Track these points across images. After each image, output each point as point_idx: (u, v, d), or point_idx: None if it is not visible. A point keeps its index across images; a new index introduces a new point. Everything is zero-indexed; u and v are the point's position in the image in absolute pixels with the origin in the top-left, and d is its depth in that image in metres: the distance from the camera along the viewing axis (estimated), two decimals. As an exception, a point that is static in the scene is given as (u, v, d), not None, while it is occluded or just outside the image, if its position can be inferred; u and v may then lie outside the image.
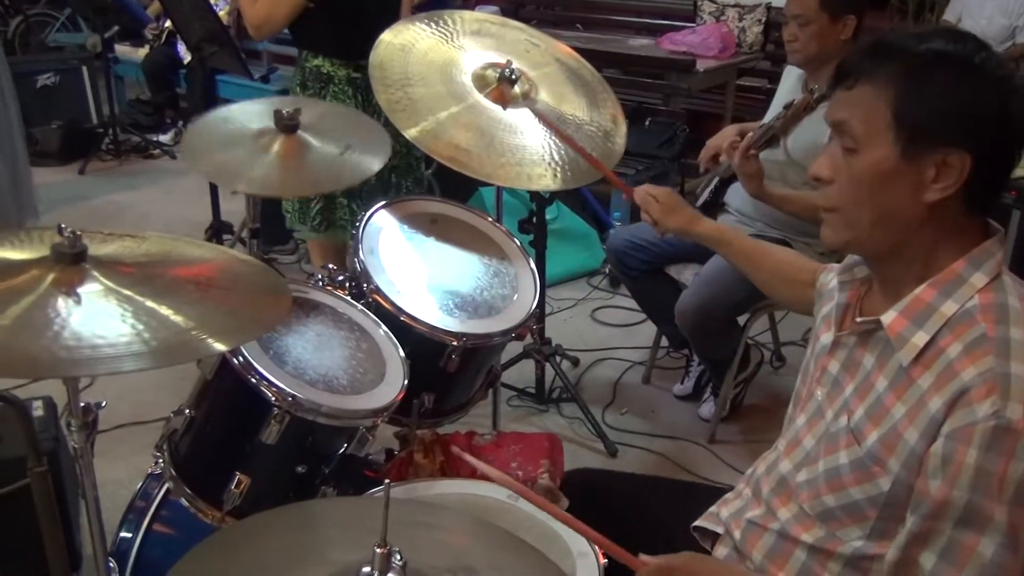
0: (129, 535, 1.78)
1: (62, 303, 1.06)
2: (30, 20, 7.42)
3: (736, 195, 2.91)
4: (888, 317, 1.20)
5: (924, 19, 5.01)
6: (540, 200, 2.92)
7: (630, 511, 1.61)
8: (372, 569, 0.93)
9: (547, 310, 3.82)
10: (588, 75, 2.16)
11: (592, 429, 3.01)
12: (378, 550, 0.92)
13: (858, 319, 1.27)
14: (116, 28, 6.28)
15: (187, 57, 5.66)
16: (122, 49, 6.39)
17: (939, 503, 1.11)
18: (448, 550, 1.05)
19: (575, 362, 3.47)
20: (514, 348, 3.24)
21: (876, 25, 5.11)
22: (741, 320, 2.90)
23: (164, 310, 1.09)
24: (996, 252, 1.18)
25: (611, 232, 3.23)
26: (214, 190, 3.86)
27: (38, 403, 2.04)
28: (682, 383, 3.31)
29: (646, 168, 4.40)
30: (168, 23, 5.81)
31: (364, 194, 2.62)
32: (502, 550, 1.09)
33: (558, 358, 3.23)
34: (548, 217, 4.14)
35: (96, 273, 1.13)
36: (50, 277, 1.11)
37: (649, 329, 3.39)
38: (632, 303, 3.43)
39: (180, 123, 6.08)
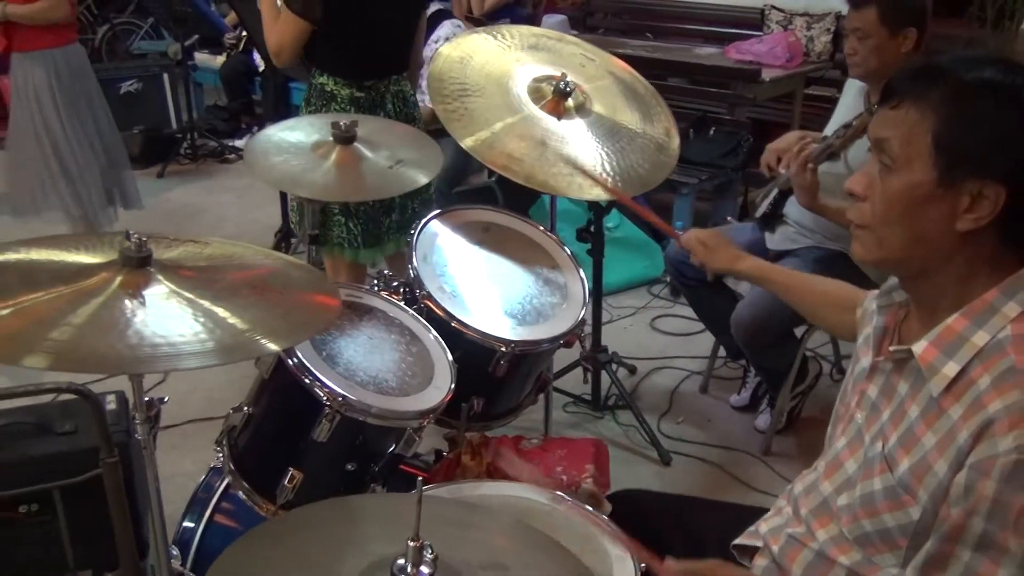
0: (192, 525, 1.86)
1: (128, 304, 1.14)
2: (116, 29, 7.72)
3: (795, 207, 2.90)
4: (919, 347, 1.20)
5: (1003, 27, 4.90)
6: (598, 209, 2.95)
7: (671, 530, 1.63)
8: (406, 562, 0.98)
9: (606, 318, 3.84)
10: (642, 89, 2.18)
11: (646, 437, 3.02)
12: (411, 543, 0.97)
13: (891, 348, 1.27)
14: (196, 37, 6.50)
15: (262, 65, 5.83)
16: (201, 57, 6.61)
17: (957, 528, 1.11)
18: (483, 548, 1.09)
19: (632, 370, 3.49)
20: (571, 355, 3.27)
21: (953, 33, 5.03)
22: (799, 332, 2.89)
23: (222, 312, 1.16)
24: None
25: (668, 241, 3.24)
26: (283, 196, 3.98)
27: (111, 397, 2.14)
28: (739, 394, 3.31)
29: (709, 177, 4.38)
30: (245, 32, 6.00)
31: (362, 214, 2.64)
32: (536, 550, 1.13)
33: (614, 366, 3.26)
34: (610, 226, 4.21)
35: (160, 276, 1.21)
36: (118, 280, 1.19)
37: (708, 339, 3.38)
38: (692, 312, 3.42)
39: (255, 128, 6.26)
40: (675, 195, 4.39)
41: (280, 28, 2.62)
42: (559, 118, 2.04)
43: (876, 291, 1.48)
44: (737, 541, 1.51)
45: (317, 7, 2.53)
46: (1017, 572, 1.08)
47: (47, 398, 2.19)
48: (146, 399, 1.29)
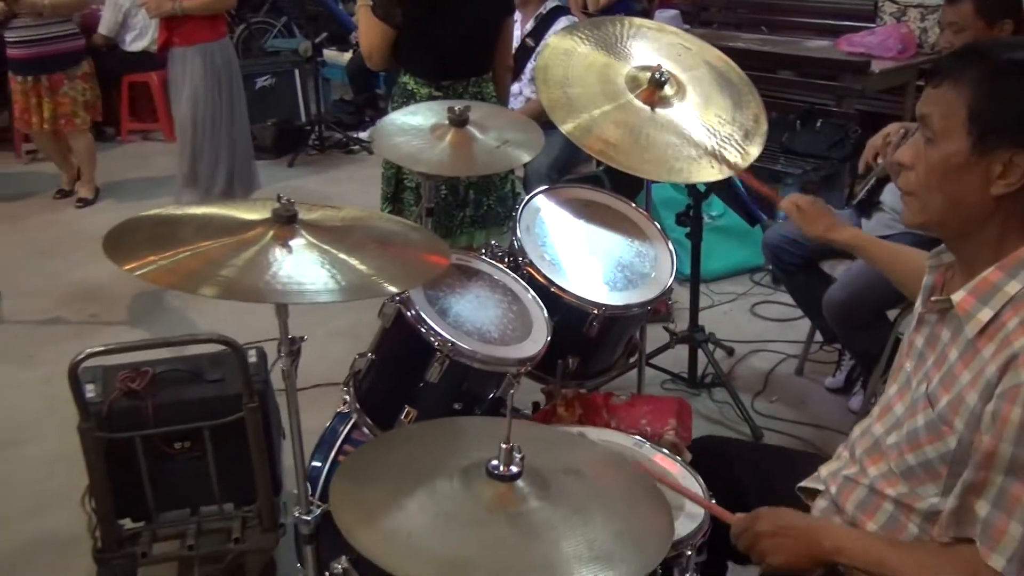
0: (319, 464, 2.11)
1: (278, 252, 1.40)
2: (252, 28, 8.23)
3: (890, 194, 2.99)
4: (958, 296, 1.35)
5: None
6: (696, 195, 3.10)
7: (746, 474, 1.80)
8: (499, 462, 1.19)
9: (707, 303, 3.99)
10: (735, 77, 2.34)
11: (739, 413, 3.16)
12: (503, 445, 1.18)
13: (933, 298, 1.42)
14: (325, 34, 6.89)
15: (386, 62, 6.16)
16: (329, 54, 7.01)
17: (988, 454, 1.25)
18: (564, 459, 1.30)
19: (730, 351, 3.63)
20: (667, 334, 3.44)
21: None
22: (891, 315, 2.98)
23: (352, 261, 1.41)
24: None
25: (769, 228, 3.37)
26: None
27: (252, 352, 2.42)
28: (834, 376, 3.40)
29: (814, 168, 4.46)
30: (371, 30, 6.34)
31: (436, 207, 2.81)
32: (610, 465, 1.33)
33: (711, 346, 3.40)
34: (714, 214, 4.34)
35: (303, 232, 1.46)
36: (270, 233, 1.45)
37: (806, 324, 3.48)
38: (791, 300, 3.53)
39: (378, 121, 6.61)
40: (779, 185, 4.49)
41: (368, 34, 2.89)
42: (653, 107, 2.21)
43: None
44: (801, 484, 1.67)
45: (397, 13, 2.79)
46: None
47: (199, 351, 2.50)
48: (289, 337, 1.54)
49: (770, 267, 4.16)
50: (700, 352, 3.35)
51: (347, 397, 1.90)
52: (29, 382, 3.54)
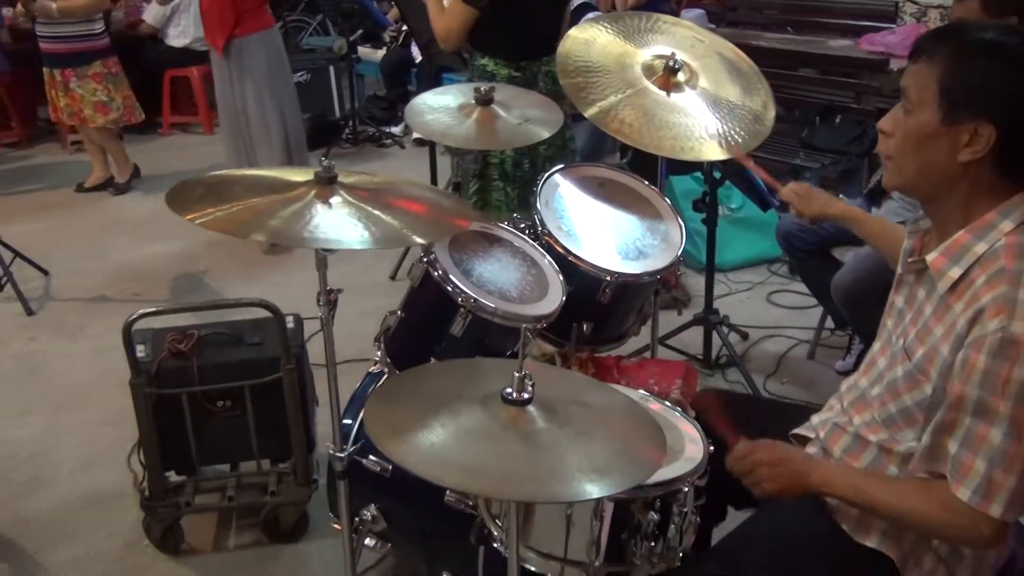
0: (350, 421, 2.28)
1: (320, 207, 1.57)
2: (288, 26, 8.45)
3: (899, 182, 3.11)
4: (931, 256, 1.50)
5: None
6: (712, 181, 3.24)
7: (744, 423, 1.94)
8: (512, 389, 1.35)
9: (725, 290, 4.13)
10: (745, 67, 2.48)
11: (749, 390, 3.30)
12: (516, 374, 1.34)
13: (910, 259, 1.57)
14: (360, 32, 7.09)
15: (419, 57, 6.35)
16: (364, 51, 7.21)
17: (957, 398, 1.40)
18: (571, 392, 1.46)
19: (744, 336, 3.76)
20: (684, 316, 3.59)
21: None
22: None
23: (384, 216, 1.58)
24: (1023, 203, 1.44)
25: (783, 215, 3.51)
26: (432, 176, 4.47)
27: (290, 318, 2.59)
28: (844, 359, 3.53)
29: (833, 163, 4.58)
30: (405, 27, 6.53)
31: (518, 179, 3.03)
32: (613, 395, 1.49)
33: (725, 329, 3.54)
34: (733, 206, 4.48)
35: (342, 192, 1.63)
36: (312, 192, 1.62)
37: (821, 312, 3.62)
38: (807, 289, 3.66)
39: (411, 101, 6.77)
40: (798, 180, 4.61)
41: (449, 16, 3.04)
42: (668, 92, 2.36)
43: None
44: (794, 431, 1.82)
45: None
46: (1007, 430, 1.36)
47: (241, 318, 2.68)
48: (328, 288, 1.71)
49: (787, 257, 4.29)
50: (715, 335, 3.49)
51: (378, 352, 2.06)
52: (78, 354, 3.75)
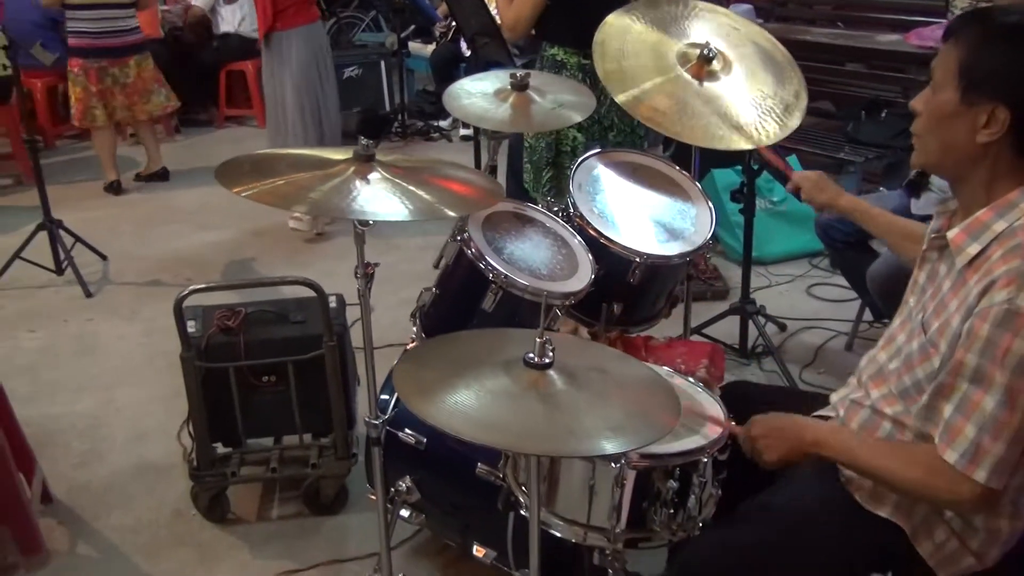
0: (386, 397, 2.37)
1: (358, 183, 1.66)
2: (341, 22, 8.61)
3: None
4: (952, 233, 1.53)
5: None
6: (750, 172, 3.27)
7: (769, 410, 1.98)
8: (534, 354, 1.42)
9: (764, 283, 4.15)
10: (780, 56, 2.51)
11: (786, 382, 3.32)
12: (538, 339, 1.41)
13: (932, 235, 1.60)
14: (412, 27, 7.20)
15: (468, 52, 6.43)
16: (414, 46, 7.32)
17: (958, 363, 1.44)
18: (592, 359, 1.52)
19: (782, 327, 3.78)
20: (722, 305, 3.62)
21: None
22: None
23: (419, 191, 1.65)
24: None
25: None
26: (476, 161, 4.54)
27: (333, 297, 2.68)
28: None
29: (877, 157, 4.57)
30: (454, 22, 6.62)
31: None
32: (632, 366, 1.55)
33: (763, 319, 3.56)
34: (775, 199, 4.49)
35: (380, 169, 1.71)
36: (351, 169, 1.70)
37: (859, 304, 3.63)
38: (846, 281, 3.67)
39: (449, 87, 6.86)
40: (840, 174, 4.61)
41: (518, 4, 3.10)
42: (700, 81, 2.41)
43: None
44: (816, 413, 1.85)
45: None
46: (1001, 399, 1.40)
47: (285, 295, 2.78)
48: (366, 262, 1.79)
49: (827, 250, 4.29)
50: (751, 326, 3.52)
51: (414, 328, 2.15)
52: (132, 334, 3.91)
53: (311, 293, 2.54)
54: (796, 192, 2.19)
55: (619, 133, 3.14)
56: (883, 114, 4.78)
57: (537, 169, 3.21)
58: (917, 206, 3.22)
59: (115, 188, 5.67)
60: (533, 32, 3.25)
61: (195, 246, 4.85)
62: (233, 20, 7.03)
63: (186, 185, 5.80)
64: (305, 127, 4.62)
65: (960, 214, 1.59)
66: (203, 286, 2.52)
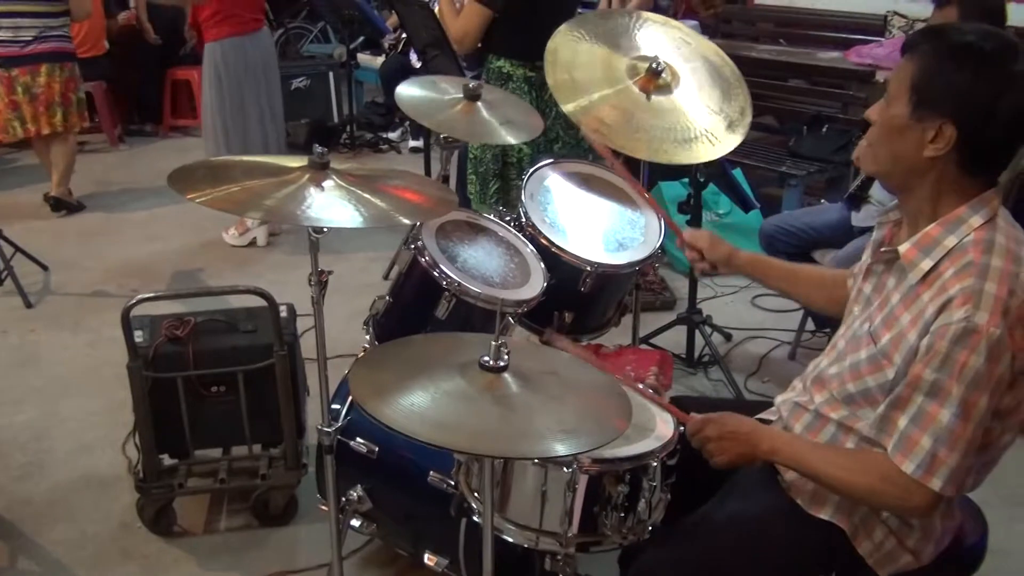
0: (338, 406, 2.36)
1: (313, 190, 1.66)
2: (289, 32, 8.57)
3: (878, 189, 3.21)
4: (903, 248, 1.58)
5: None
6: (697, 185, 3.34)
7: None
8: (489, 358, 1.44)
9: (710, 293, 4.22)
10: (728, 72, 2.57)
11: (732, 391, 3.38)
12: (493, 343, 1.43)
13: (882, 249, 1.65)
14: (361, 39, 7.19)
15: (418, 64, 6.45)
16: (363, 58, 7.31)
17: (915, 377, 1.48)
18: (545, 364, 1.54)
19: (728, 337, 3.85)
20: (669, 316, 3.68)
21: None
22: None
23: (373, 199, 1.67)
24: (993, 200, 1.53)
25: (765, 219, 3.61)
26: (426, 174, 4.55)
27: (283, 307, 2.67)
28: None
29: (819, 171, 4.67)
30: (404, 34, 6.63)
31: None
32: (583, 370, 1.58)
33: (709, 329, 3.63)
34: (720, 212, 4.57)
35: (334, 177, 1.72)
36: (306, 176, 1.71)
37: (802, 314, 3.71)
38: (790, 292, 3.74)
39: (407, 123, 6.89)
40: (784, 187, 4.72)
41: (464, 17, 3.14)
42: (648, 94, 2.45)
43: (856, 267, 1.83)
44: (759, 416, 1.90)
45: None
46: (956, 411, 1.45)
47: (235, 304, 2.76)
48: (320, 269, 1.80)
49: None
50: (698, 335, 3.58)
51: (367, 336, 2.15)
52: (76, 345, 3.84)
53: (261, 302, 2.53)
54: (694, 252, 2.09)
55: (564, 146, 3.19)
56: (824, 129, 4.89)
57: (484, 180, 3.23)
58: (857, 218, 3.32)
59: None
60: (480, 45, 3.29)
61: (141, 256, 4.79)
62: None
63: (132, 195, 5.72)
64: (216, 141, 4.59)
65: (906, 226, 1.64)
66: (151, 295, 2.50)
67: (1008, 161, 1.55)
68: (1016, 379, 1.47)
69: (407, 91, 2.39)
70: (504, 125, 2.32)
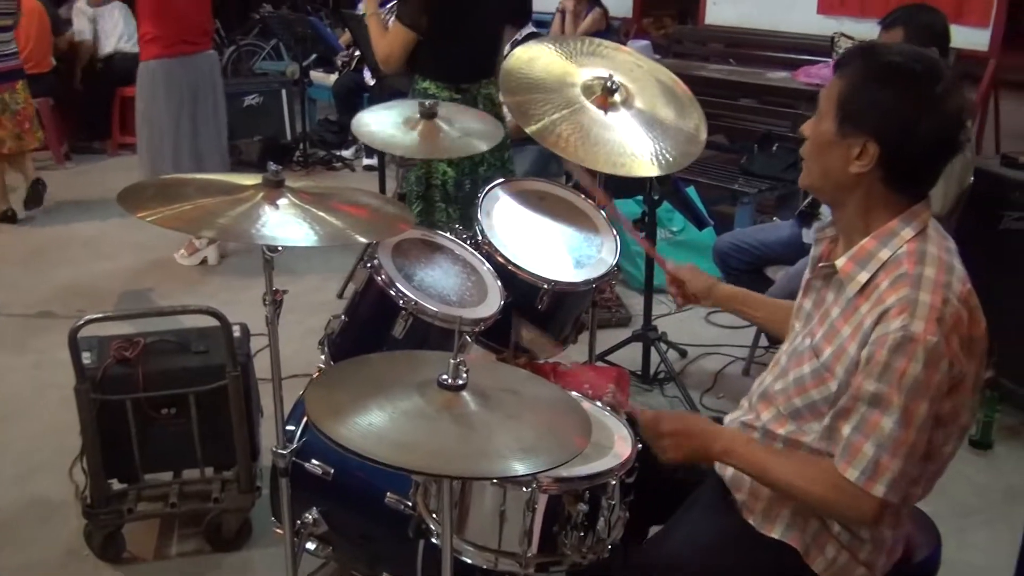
0: (292, 427, 2.32)
1: (267, 208, 1.64)
2: (241, 50, 8.51)
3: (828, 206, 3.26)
4: (840, 262, 1.60)
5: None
6: (651, 203, 3.36)
7: None
8: (447, 376, 1.43)
9: (665, 310, 4.24)
10: (680, 92, 2.61)
11: (687, 407, 3.40)
12: (452, 361, 1.41)
13: (820, 264, 1.68)
14: (314, 56, 7.16)
15: (372, 82, 6.44)
16: (316, 75, 7.28)
17: (858, 387, 1.51)
18: (504, 381, 1.54)
19: (683, 353, 3.88)
20: (624, 333, 3.69)
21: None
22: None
23: (329, 217, 1.65)
24: (922, 213, 1.57)
25: (719, 236, 3.65)
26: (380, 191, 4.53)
27: (237, 327, 2.63)
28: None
29: (770, 188, 4.74)
30: (357, 52, 6.62)
31: (460, 199, 3.13)
32: (542, 387, 1.58)
33: (664, 345, 3.65)
34: (674, 229, 4.61)
35: (289, 195, 1.70)
36: (261, 195, 1.69)
37: (755, 330, 3.75)
38: (743, 308, 3.78)
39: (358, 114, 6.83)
40: (737, 204, 4.78)
41: (390, 38, 3.14)
42: (606, 111, 2.48)
43: None
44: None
45: (423, 20, 3.07)
46: (898, 419, 1.47)
47: (187, 324, 2.71)
48: (275, 288, 1.77)
49: (723, 277, 4.41)
50: (653, 352, 3.60)
51: (322, 356, 2.12)
52: (21, 367, 3.74)
53: (214, 322, 2.49)
54: (678, 286, 2.12)
55: (489, 167, 3.22)
56: (775, 147, 4.97)
57: (408, 202, 3.24)
58: (808, 235, 3.36)
59: (8, 218, 5.44)
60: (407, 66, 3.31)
61: (88, 276, 4.69)
62: (114, 34, 6.84)
63: (78, 214, 5.61)
64: (141, 160, 4.56)
65: (841, 241, 1.66)
66: (100, 315, 2.45)
67: (933, 179, 1.58)
68: (954, 386, 1.50)
69: (363, 127, 2.39)
70: (467, 136, 2.33)
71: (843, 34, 5.54)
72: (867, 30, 5.32)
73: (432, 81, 3.17)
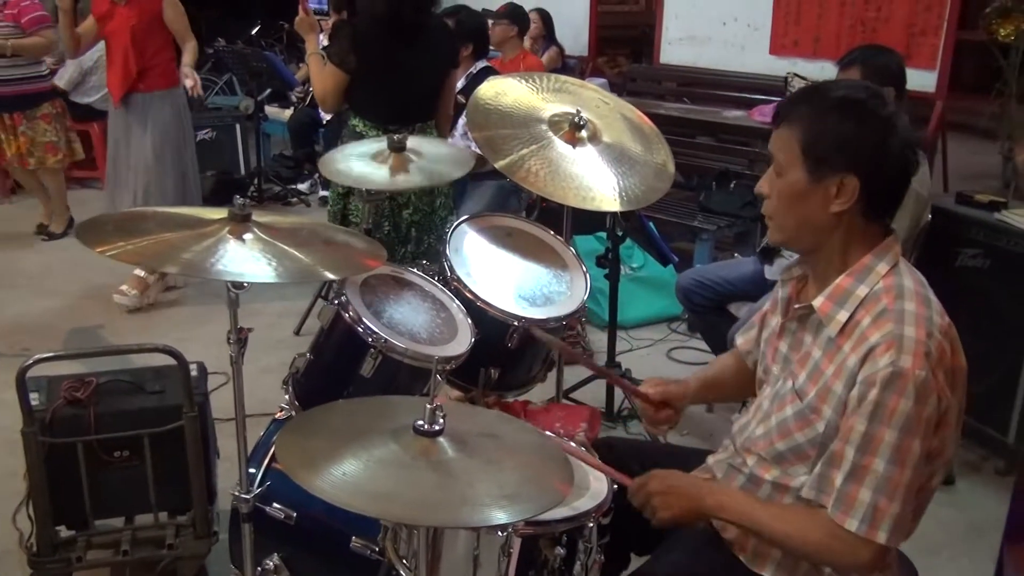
0: (253, 470, 2.25)
1: (232, 243, 1.58)
2: (194, 83, 8.39)
3: (790, 241, 3.28)
4: (818, 302, 1.58)
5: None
6: (615, 239, 3.35)
7: (639, 466, 1.98)
8: (423, 421, 1.37)
9: (627, 347, 4.23)
10: (647, 129, 2.62)
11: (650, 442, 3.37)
12: (428, 406, 1.36)
13: (796, 306, 1.66)
14: (268, 91, 7.09)
15: (327, 117, 6.39)
16: (271, 110, 7.21)
17: (848, 429, 1.49)
18: (483, 426, 1.49)
19: (646, 390, 3.85)
20: (587, 370, 3.65)
21: (977, 108, 5.34)
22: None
23: (296, 252, 1.60)
24: (894, 246, 1.57)
25: (682, 272, 3.65)
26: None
27: (194, 366, 2.54)
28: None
29: (728, 225, 4.78)
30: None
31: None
32: (523, 432, 1.53)
33: (627, 381, 3.61)
34: (635, 265, 4.61)
35: (256, 229, 1.65)
36: (226, 229, 1.63)
37: (718, 366, 3.74)
38: (705, 345, 3.78)
39: (316, 175, 6.80)
40: (696, 241, 4.80)
41: (323, 77, 3.20)
42: (574, 146, 2.46)
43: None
44: (692, 472, 1.87)
45: (351, 59, 3.13)
46: (891, 457, 1.45)
47: (140, 364, 2.61)
48: (239, 327, 1.71)
49: (686, 317, 4.42)
50: (617, 389, 3.57)
51: (286, 396, 2.06)
52: (-39, 408, 3.58)
53: (169, 361, 2.40)
54: (656, 407, 2.02)
55: (416, 211, 3.25)
56: (732, 185, 5.02)
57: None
58: (771, 272, 3.37)
59: None
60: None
61: (35, 313, 4.54)
62: (89, 97, 6.70)
63: (25, 248, 5.46)
64: (164, 191, 4.47)
65: (813, 281, 1.65)
66: (50, 355, 2.34)
67: (902, 199, 1.59)
68: (941, 420, 1.49)
69: (331, 165, 2.38)
70: (440, 163, 2.31)
71: (796, 74, 5.64)
72: (820, 70, 5.44)
73: (361, 119, 3.26)
